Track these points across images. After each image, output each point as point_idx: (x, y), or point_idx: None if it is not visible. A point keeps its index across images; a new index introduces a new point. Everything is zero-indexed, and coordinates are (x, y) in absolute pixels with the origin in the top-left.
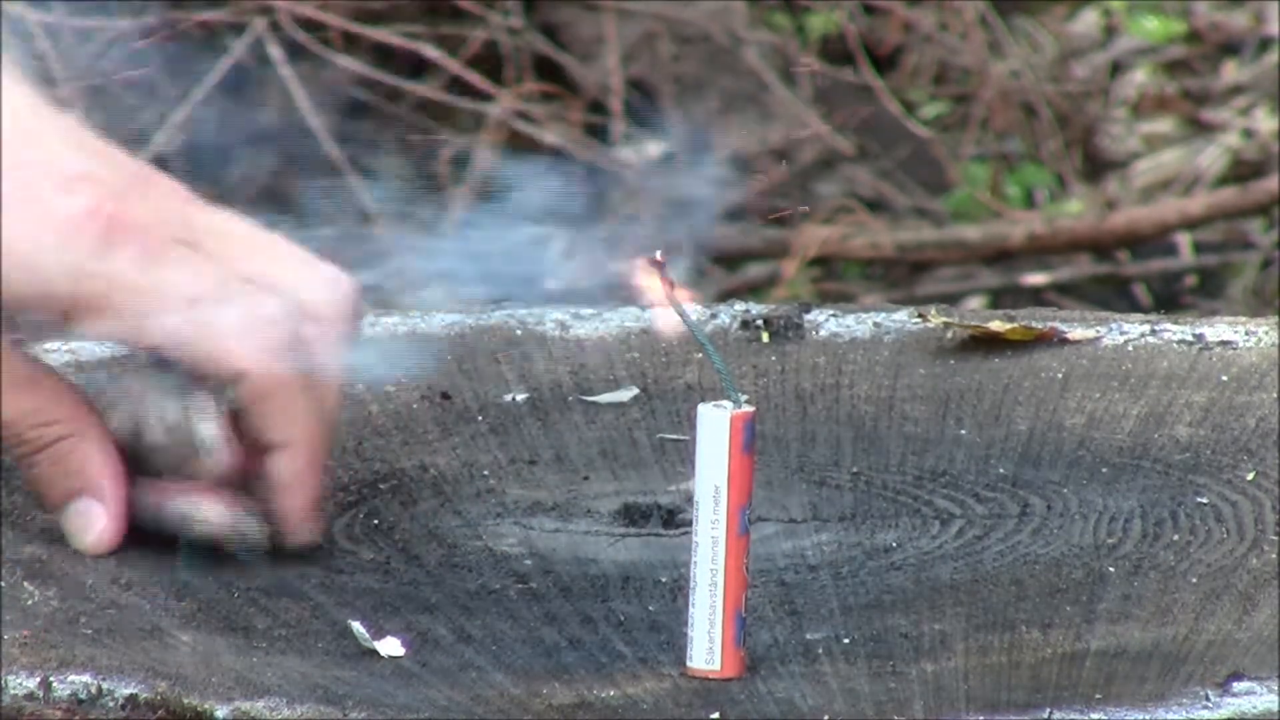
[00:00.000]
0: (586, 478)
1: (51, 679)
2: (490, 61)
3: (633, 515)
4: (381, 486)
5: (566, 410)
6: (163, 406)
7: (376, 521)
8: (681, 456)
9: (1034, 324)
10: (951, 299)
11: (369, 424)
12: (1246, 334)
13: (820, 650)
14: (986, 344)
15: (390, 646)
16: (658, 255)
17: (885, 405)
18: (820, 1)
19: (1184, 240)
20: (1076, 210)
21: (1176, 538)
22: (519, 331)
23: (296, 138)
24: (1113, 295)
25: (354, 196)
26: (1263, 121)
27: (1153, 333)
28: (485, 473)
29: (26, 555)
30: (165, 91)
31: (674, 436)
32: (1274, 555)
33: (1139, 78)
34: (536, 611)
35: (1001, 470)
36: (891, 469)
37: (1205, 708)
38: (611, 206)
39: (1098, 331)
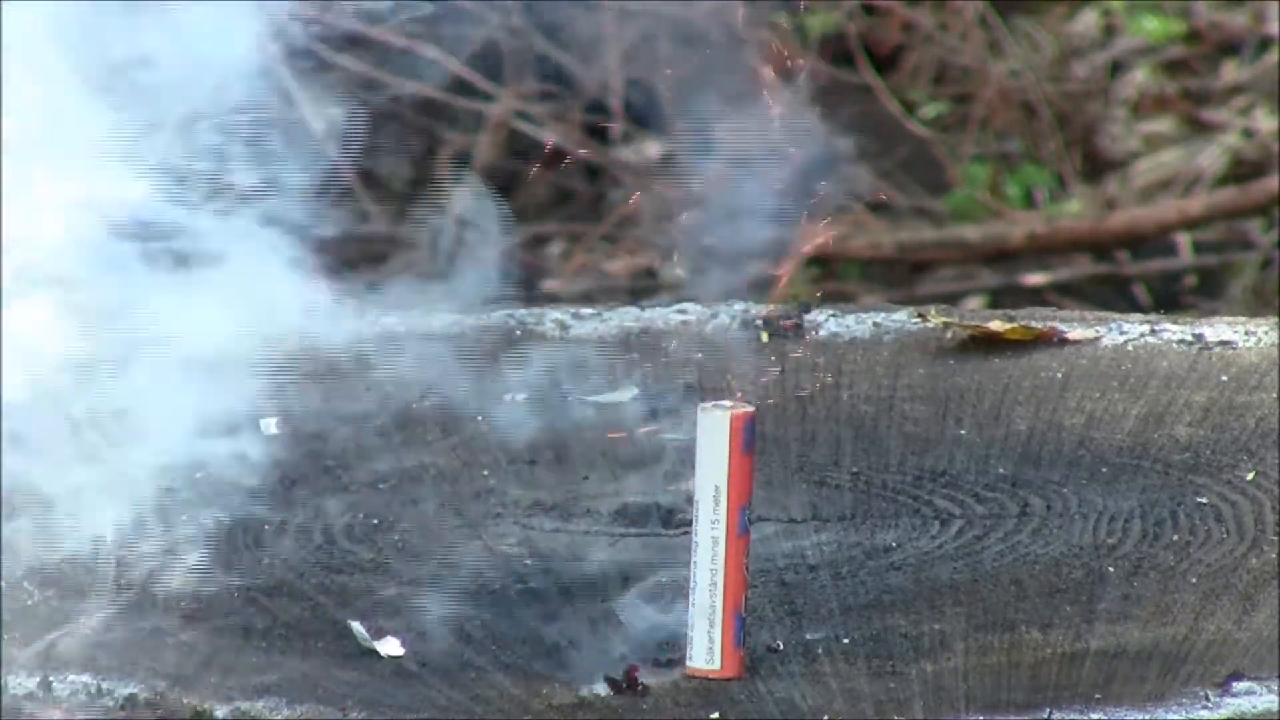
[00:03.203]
0: (586, 478)
1: (51, 679)
2: (490, 61)
3: (633, 515)
4: (381, 486)
5: (567, 410)
6: None
7: (376, 521)
8: (681, 457)
9: (1034, 324)
10: (951, 299)
11: (369, 423)
12: (1246, 334)
13: (820, 650)
14: (986, 344)
15: (390, 646)
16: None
17: (885, 405)
18: (820, 1)
19: (1184, 240)
20: (1076, 210)
21: (1176, 538)
22: (518, 332)
23: None
24: (1113, 295)
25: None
26: (1263, 121)
27: (1153, 333)
28: (485, 473)
29: (26, 555)
30: None
31: (674, 436)
32: (1274, 555)
33: (1139, 78)
34: (536, 611)
35: (1001, 470)
36: (891, 469)
37: (1205, 708)
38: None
39: (1098, 331)
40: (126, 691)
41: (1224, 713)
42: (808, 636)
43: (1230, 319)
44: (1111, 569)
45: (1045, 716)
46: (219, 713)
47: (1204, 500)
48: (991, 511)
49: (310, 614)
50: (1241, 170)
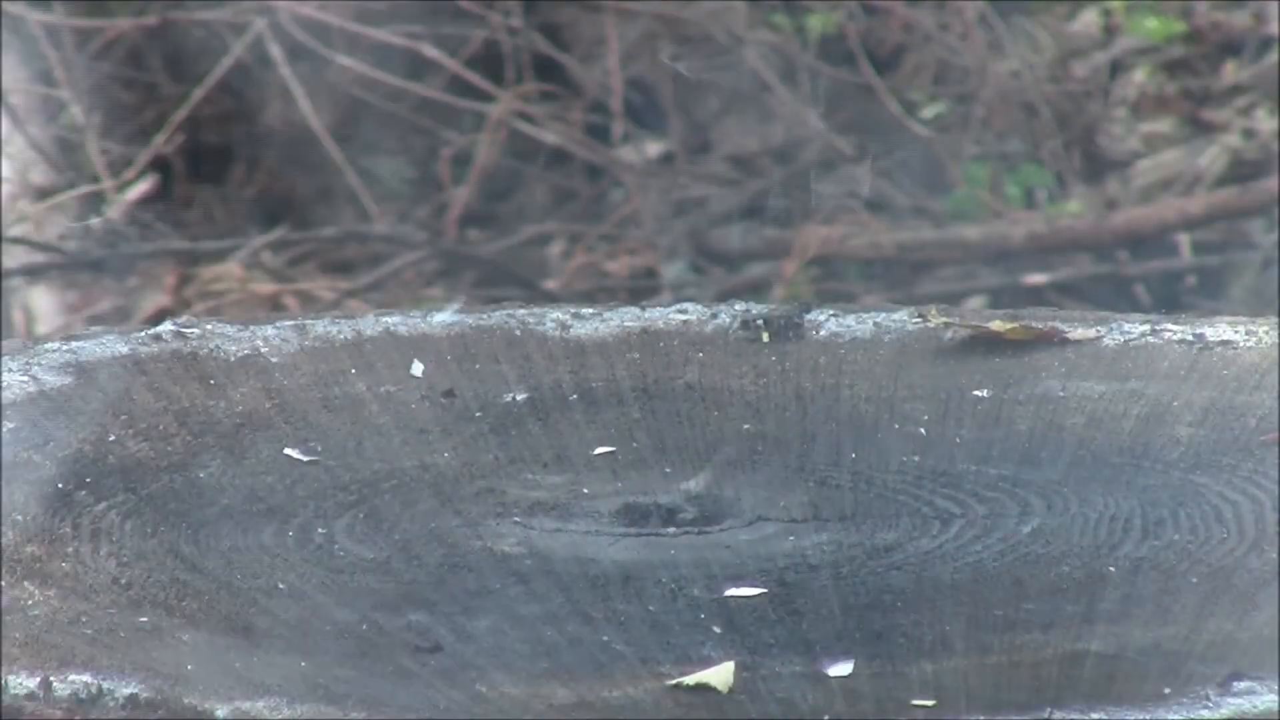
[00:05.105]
0: (587, 478)
1: (51, 679)
2: (490, 61)
3: (633, 515)
4: (382, 486)
5: (567, 410)
6: None
7: (376, 521)
8: (682, 456)
9: (1034, 324)
10: (951, 299)
11: (369, 423)
12: (1246, 334)
13: (820, 650)
14: (986, 344)
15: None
16: None
17: (885, 405)
18: (820, 1)
19: (1184, 240)
20: (1076, 210)
21: (1176, 538)
22: (518, 332)
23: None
24: (1113, 295)
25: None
26: (1263, 121)
27: (1153, 333)
28: (485, 473)
29: (27, 555)
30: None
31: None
32: (1274, 555)
33: (1139, 78)
34: (536, 611)
35: (1001, 470)
36: (891, 469)
37: (1205, 708)
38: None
39: (1098, 331)
40: (126, 691)
41: (1224, 713)
42: (808, 636)
43: (1230, 319)
44: (1111, 569)
45: (1045, 716)
46: (219, 713)
47: (1204, 500)
48: (991, 511)
49: (310, 614)
50: (1241, 170)
